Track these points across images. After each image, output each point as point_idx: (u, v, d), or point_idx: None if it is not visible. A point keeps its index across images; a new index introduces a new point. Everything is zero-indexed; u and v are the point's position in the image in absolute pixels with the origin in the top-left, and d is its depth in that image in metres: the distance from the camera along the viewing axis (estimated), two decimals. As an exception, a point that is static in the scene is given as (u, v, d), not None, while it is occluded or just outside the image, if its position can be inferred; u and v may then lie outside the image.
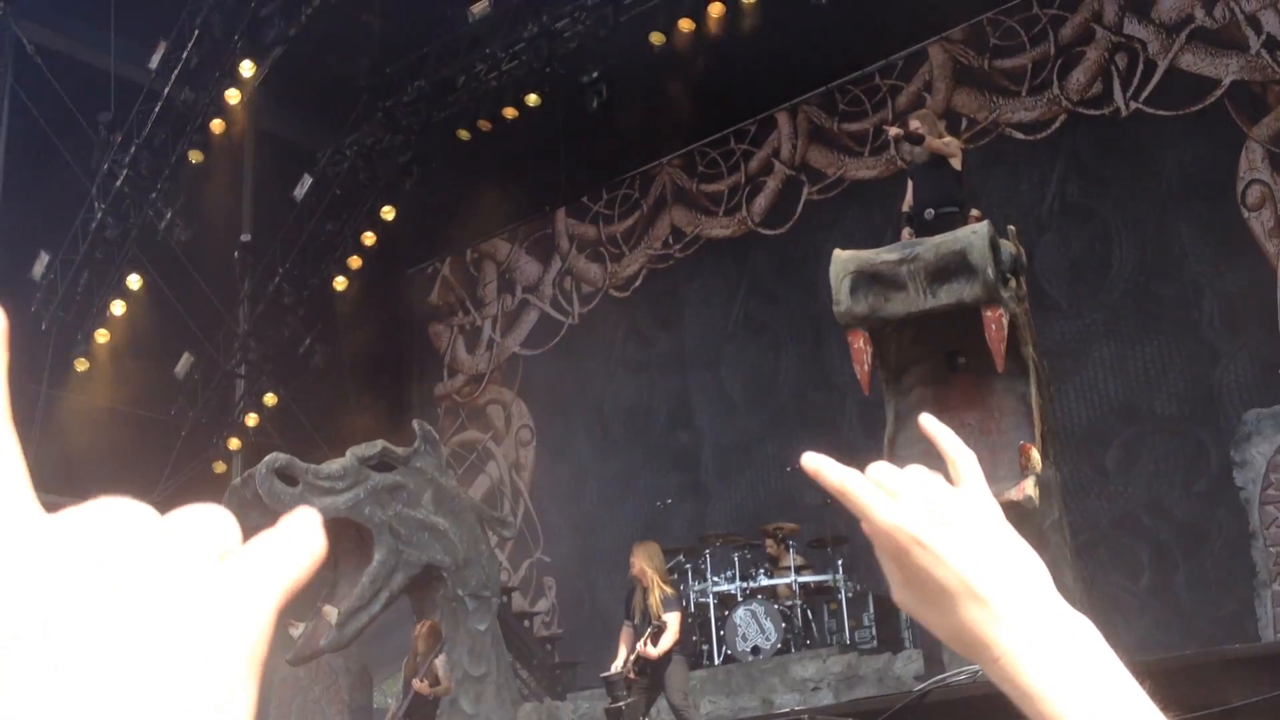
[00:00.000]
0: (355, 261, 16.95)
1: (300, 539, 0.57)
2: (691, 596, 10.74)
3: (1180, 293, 11.81)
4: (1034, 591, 0.85)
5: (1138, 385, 11.87)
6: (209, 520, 0.55)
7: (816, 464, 0.92)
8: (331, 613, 9.88)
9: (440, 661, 9.86)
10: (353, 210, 16.84)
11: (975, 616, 0.85)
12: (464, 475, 16.16)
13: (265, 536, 0.59)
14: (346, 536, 10.61)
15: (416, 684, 9.68)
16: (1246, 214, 11.50)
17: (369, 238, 16.89)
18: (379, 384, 16.74)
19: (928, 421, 0.97)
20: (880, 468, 0.92)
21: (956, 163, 8.94)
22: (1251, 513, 7.81)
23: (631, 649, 8.39)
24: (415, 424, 11.78)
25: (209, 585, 0.51)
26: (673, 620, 8.40)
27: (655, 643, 8.24)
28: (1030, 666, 0.83)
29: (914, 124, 9.20)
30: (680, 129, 15.43)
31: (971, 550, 0.86)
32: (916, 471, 0.91)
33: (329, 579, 10.67)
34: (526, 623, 14.15)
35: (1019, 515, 7.63)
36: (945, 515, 0.87)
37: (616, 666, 8.21)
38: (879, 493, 0.90)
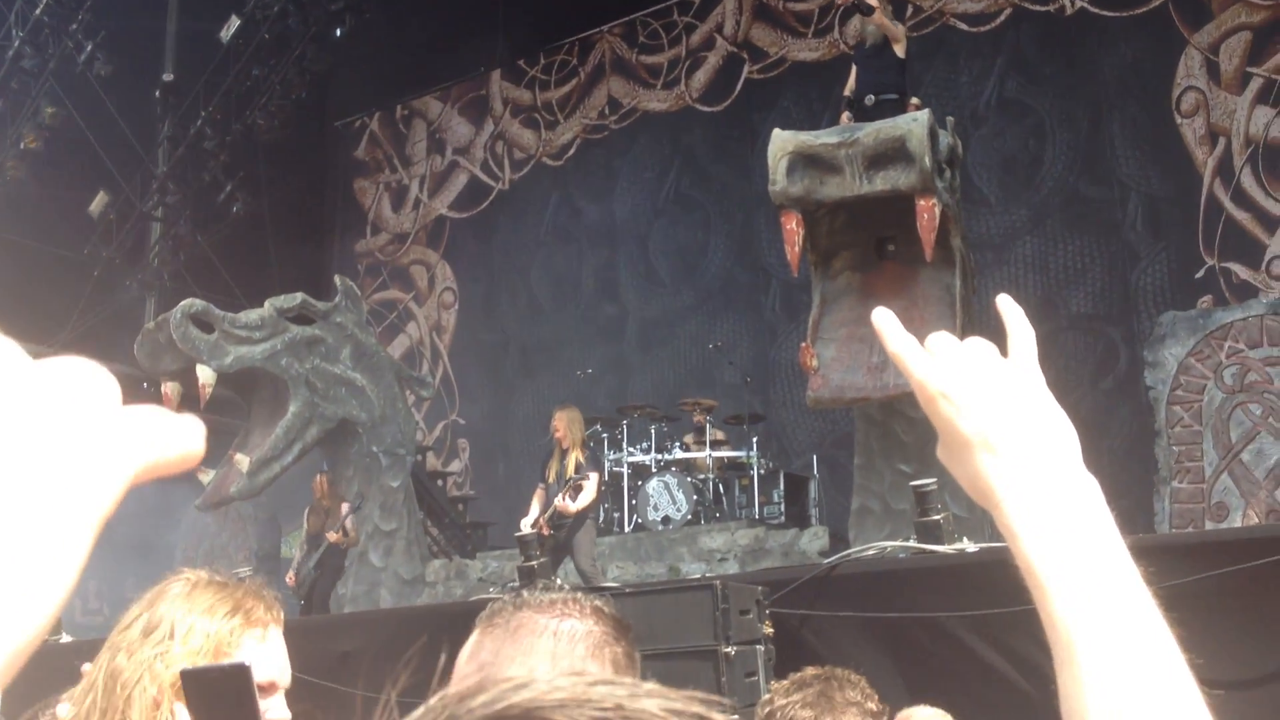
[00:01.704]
0: (280, 109, 16.50)
1: (184, 435, 0.58)
2: (607, 465, 10.83)
3: (1107, 194, 11.93)
4: (1049, 449, 0.90)
5: (1057, 283, 12.04)
6: (90, 375, 0.55)
7: (883, 323, 0.96)
8: (243, 461, 9.83)
9: (346, 511, 9.90)
10: (281, 56, 16.34)
11: (987, 465, 0.89)
12: (383, 334, 16.01)
13: (152, 414, 0.57)
14: (262, 387, 10.54)
15: (331, 536, 9.69)
16: (1179, 120, 11.59)
17: (296, 85, 16.44)
18: (300, 237, 16.45)
19: (1005, 301, 0.99)
20: (939, 335, 0.95)
21: (900, 49, 8.88)
22: (1159, 411, 8.02)
23: (545, 508, 8.45)
24: (337, 279, 11.64)
25: (74, 436, 0.51)
26: (591, 480, 8.47)
27: (574, 498, 8.31)
28: (1018, 509, 0.88)
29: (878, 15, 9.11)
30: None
31: (993, 405, 0.91)
32: (972, 340, 0.95)
33: (242, 428, 10.62)
34: (439, 482, 14.20)
35: (934, 405, 7.76)
36: (974, 372, 0.92)
37: (528, 524, 8.28)
38: (920, 352, 0.93)
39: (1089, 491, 0.89)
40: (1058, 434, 0.91)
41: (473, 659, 1.47)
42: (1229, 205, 11.20)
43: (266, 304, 10.60)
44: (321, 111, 17.54)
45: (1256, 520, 7.37)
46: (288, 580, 9.94)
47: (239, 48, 16.10)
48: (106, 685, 1.59)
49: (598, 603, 1.53)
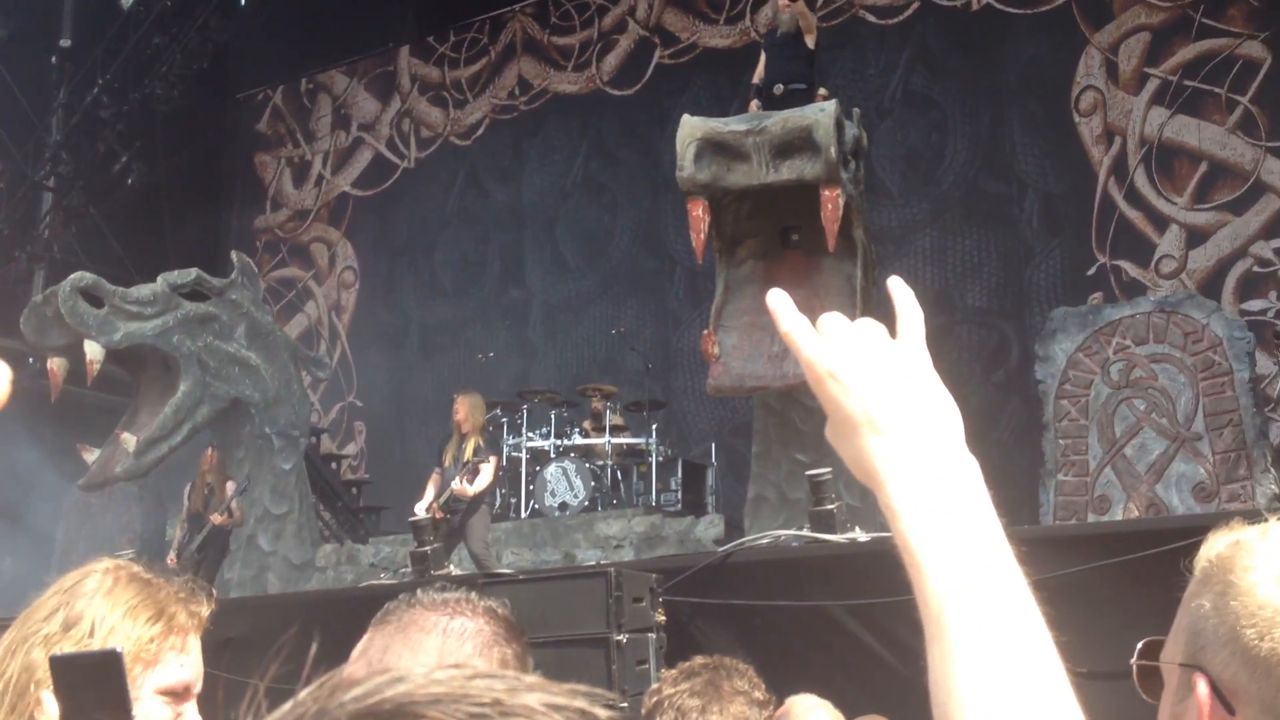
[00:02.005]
0: (180, 79, 16.14)
1: None
2: (505, 450, 10.77)
3: (1005, 189, 12.12)
4: (932, 430, 0.92)
5: (954, 276, 12.21)
6: None
7: (777, 304, 0.97)
8: (130, 440, 9.59)
9: (232, 491, 9.69)
10: (183, 25, 15.97)
11: (872, 445, 0.92)
12: (280, 312, 15.75)
13: None
14: (152, 364, 10.30)
15: (215, 518, 9.48)
16: (1078, 119, 11.80)
17: (197, 56, 16.08)
18: (197, 210, 16.07)
19: (895, 284, 1.01)
20: (831, 316, 0.97)
21: (810, 40, 8.92)
22: (1047, 405, 8.17)
23: (440, 493, 8.37)
24: (233, 255, 11.42)
25: None
26: (489, 464, 8.42)
27: (471, 482, 8.25)
28: (899, 489, 0.90)
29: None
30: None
31: (879, 385, 0.92)
32: (862, 321, 0.97)
33: (130, 405, 10.36)
34: (334, 465, 14.01)
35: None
36: (862, 353, 0.93)
37: (422, 508, 8.19)
38: (810, 332, 0.95)
39: (969, 473, 0.91)
40: (942, 416, 0.93)
41: (363, 655, 1.48)
42: (1122, 204, 11.44)
43: (160, 279, 10.35)
44: (223, 83, 17.17)
45: (1137, 513, 7.55)
46: (169, 562, 9.70)
47: (139, 15, 15.72)
48: (19, 680, 1.55)
49: (491, 604, 1.54)
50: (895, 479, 0.90)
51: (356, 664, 1.47)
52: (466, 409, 8.66)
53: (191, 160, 15.92)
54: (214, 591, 1.69)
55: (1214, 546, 1.17)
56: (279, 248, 16.63)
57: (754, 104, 8.98)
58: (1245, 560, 1.11)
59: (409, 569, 7.35)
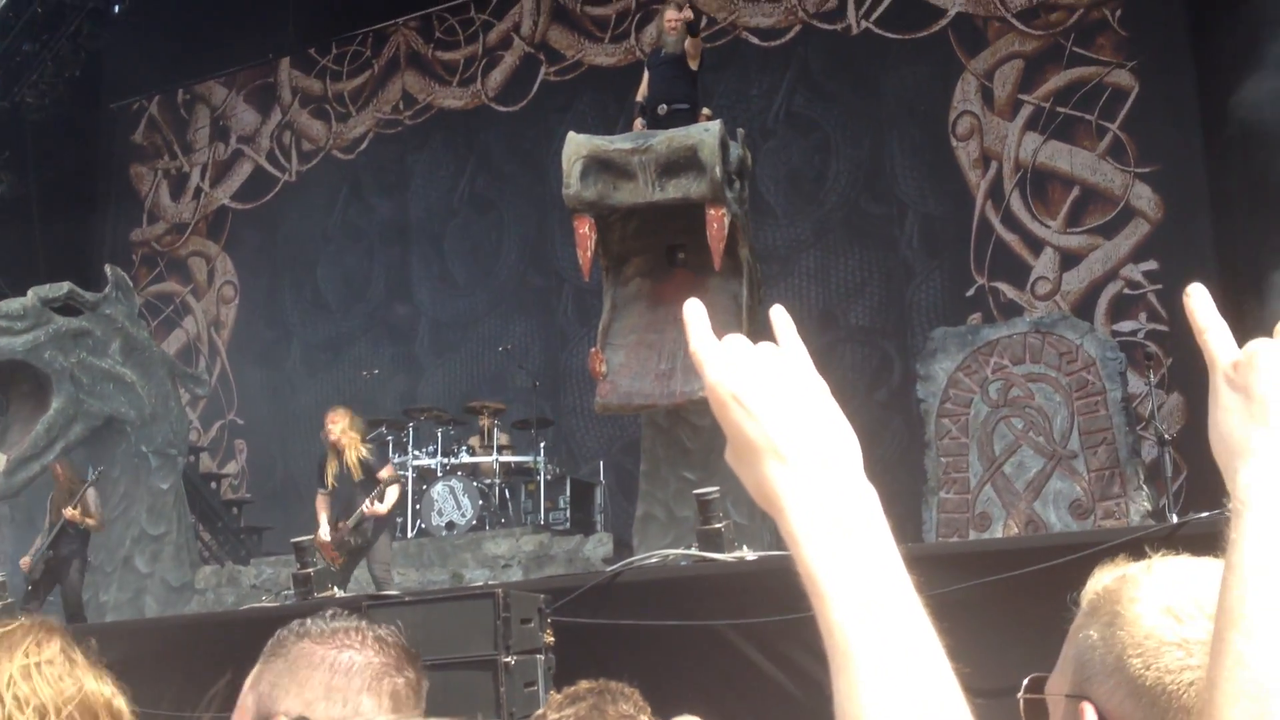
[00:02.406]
0: (53, 87, 15.71)
1: None
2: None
3: (886, 211, 12.35)
4: (833, 459, 0.92)
5: (837, 296, 12.40)
6: None
7: (692, 318, 0.97)
8: (0, 459, 9.30)
9: (91, 494, 9.34)
10: (55, 31, 15.55)
11: (774, 471, 0.91)
12: (158, 328, 15.34)
13: None
14: (23, 380, 9.99)
15: (68, 512, 9.11)
16: (955, 143, 12.09)
17: (70, 63, 15.68)
18: (69, 222, 15.62)
19: (777, 313, 1.01)
20: (736, 338, 0.96)
21: (694, 63, 9.00)
22: (929, 423, 8.34)
23: (339, 514, 8.20)
24: (108, 269, 11.14)
25: None
26: (395, 486, 8.30)
27: (381, 500, 8.12)
28: (798, 515, 0.90)
29: (682, 13, 9.19)
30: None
31: (780, 410, 0.92)
32: (766, 345, 0.96)
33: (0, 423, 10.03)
34: (213, 484, 13.70)
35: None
36: (767, 378, 0.93)
37: (325, 533, 8.03)
38: (718, 354, 0.94)
39: (869, 502, 0.91)
40: (843, 444, 0.93)
41: (253, 689, 1.47)
42: (999, 227, 11.74)
43: (30, 293, 10.06)
44: (97, 92, 16.73)
45: (1016, 530, 7.75)
46: (21, 564, 9.34)
47: (9, 21, 15.26)
48: None
49: (382, 633, 1.52)
50: (798, 506, 0.90)
51: (247, 696, 1.46)
52: (340, 423, 8.48)
53: (64, 170, 15.47)
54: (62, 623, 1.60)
55: (1100, 580, 1.20)
56: (156, 261, 16.20)
57: (639, 122, 9.04)
58: (1131, 592, 1.14)
59: (291, 591, 7.20)
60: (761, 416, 0.92)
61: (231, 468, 14.86)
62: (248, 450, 14.93)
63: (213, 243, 15.95)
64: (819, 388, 0.96)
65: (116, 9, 15.51)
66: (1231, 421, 1.04)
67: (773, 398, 0.92)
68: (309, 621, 1.52)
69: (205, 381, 12.49)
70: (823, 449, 0.92)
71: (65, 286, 10.28)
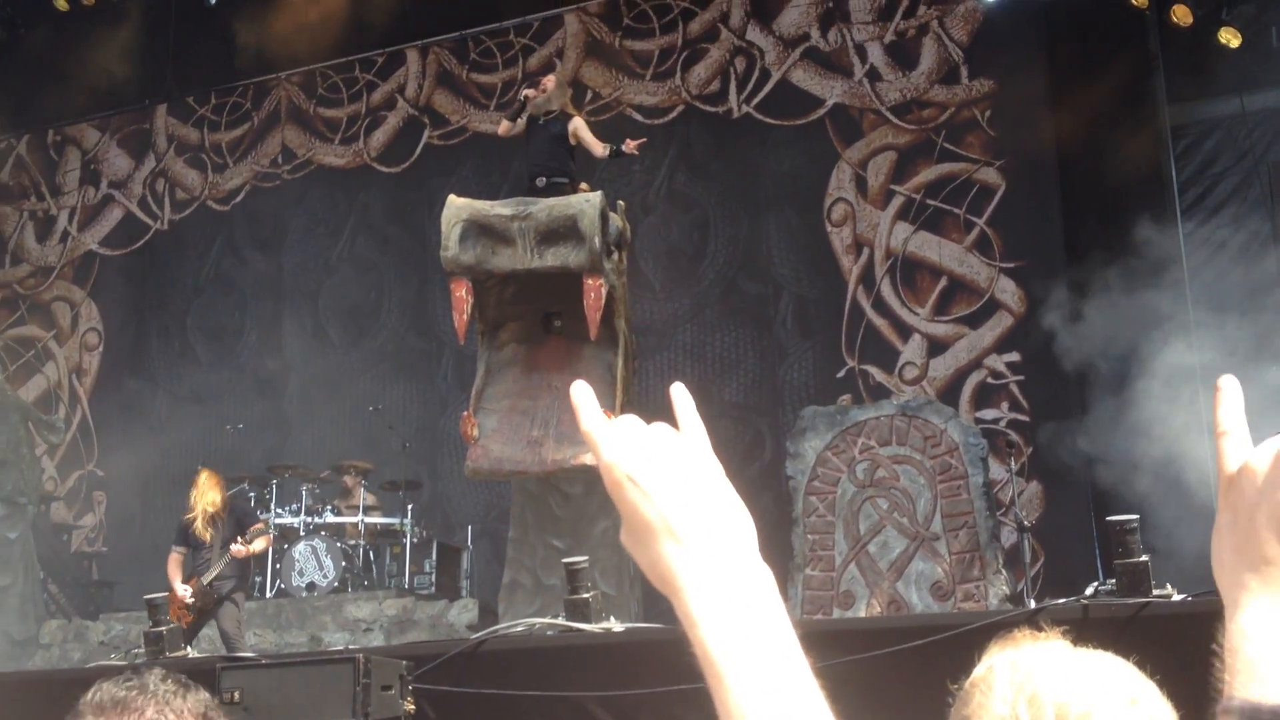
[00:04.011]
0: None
1: None
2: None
3: (762, 290, 12.57)
4: (729, 539, 0.93)
5: (713, 371, 12.55)
6: None
7: (580, 398, 0.97)
8: None
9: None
10: (-82, 63, 15.12)
11: (670, 552, 0.92)
12: (16, 373, 14.80)
13: None
14: None
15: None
16: (830, 228, 12.39)
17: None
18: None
19: (677, 391, 1.03)
20: (627, 417, 0.98)
21: (575, 138, 9.11)
22: (797, 500, 8.45)
23: (186, 575, 7.98)
24: (-37, 310, 10.76)
25: None
26: (263, 536, 8.11)
27: (251, 543, 7.91)
28: (696, 596, 0.91)
29: (547, 82, 9.30)
30: (305, 45, 14.80)
31: (676, 492, 0.93)
32: (660, 425, 0.98)
33: None
34: (65, 536, 13.21)
35: (590, 478, 7.91)
36: (662, 459, 0.94)
37: (180, 588, 7.79)
38: (609, 433, 0.95)
39: (764, 582, 0.93)
40: (738, 525, 0.95)
41: None
42: (870, 311, 12.04)
43: (-121, 333, 9.66)
44: (-38, 127, 16.23)
45: (879, 609, 7.87)
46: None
47: None
48: None
49: (203, 701, 1.48)
50: (694, 587, 0.91)
51: None
52: (213, 489, 8.29)
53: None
54: None
55: (978, 667, 1.25)
56: (17, 304, 15.66)
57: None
58: (991, 683, 1.18)
59: (142, 649, 6.95)
60: (657, 497, 0.93)
61: (89, 519, 14.32)
62: (106, 502, 14.42)
63: (78, 288, 15.49)
64: (714, 469, 0.98)
65: (-12, 44, 15.13)
66: (1222, 544, 1.03)
67: (668, 478, 0.94)
68: (126, 682, 1.47)
69: (60, 429, 12.09)
70: (718, 529, 0.93)
71: (-83, 326, 9.90)
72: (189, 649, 6.99)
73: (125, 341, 15.04)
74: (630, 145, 8.91)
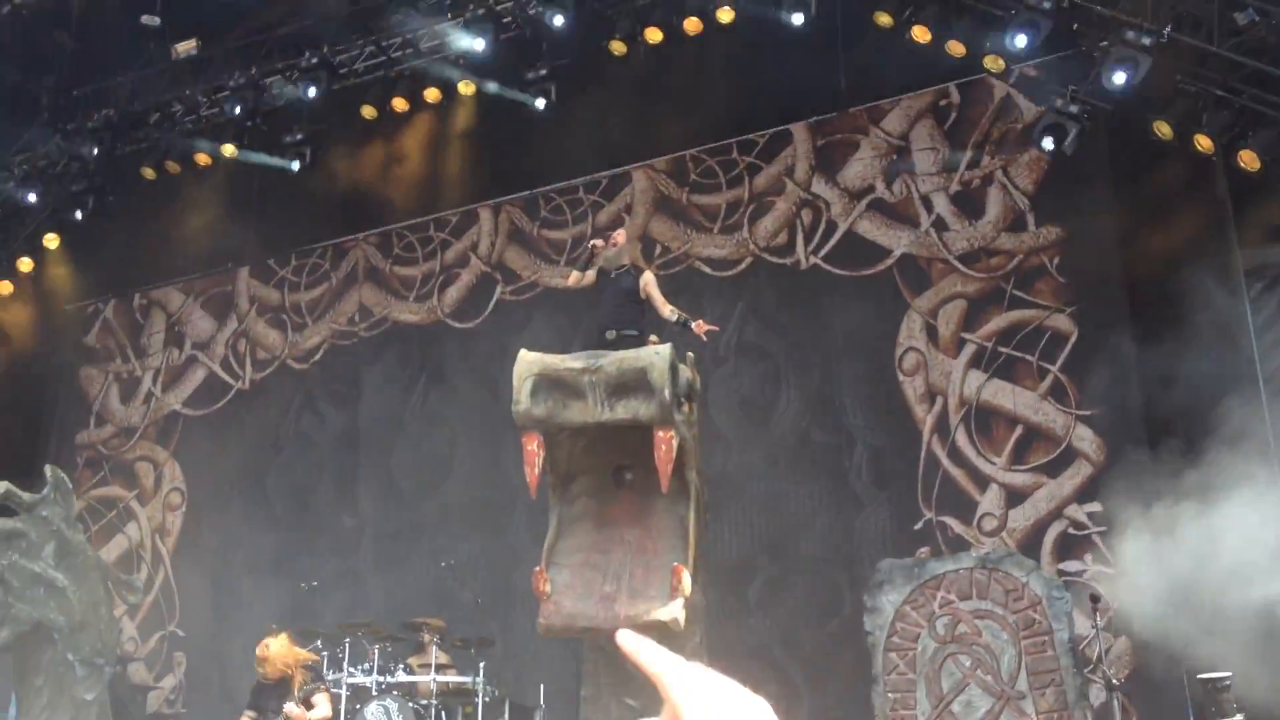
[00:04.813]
0: (6, 286, 15.81)
1: None
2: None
3: (835, 441, 12.47)
4: None
5: (788, 524, 12.38)
6: None
7: (634, 646, 1.01)
8: (-81, 665, 8.95)
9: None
10: (12, 231, 15.75)
11: None
12: (99, 533, 15.03)
13: None
14: (-50, 582, 9.70)
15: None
16: (902, 377, 12.32)
17: (25, 264, 15.83)
18: (13, 422, 15.47)
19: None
20: (699, 671, 1.00)
21: (645, 293, 9.21)
22: (876, 657, 8.25)
23: None
24: (47, 469, 10.99)
25: None
26: (324, 695, 8.00)
27: (309, 709, 7.80)
28: None
29: (618, 236, 9.46)
30: (380, 207, 15.29)
31: None
32: (729, 689, 1.00)
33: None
34: (140, 697, 13.21)
35: (665, 635, 7.79)
36: None
37: None
38: (688, 693, 0.99)
39: None
40: None
41: None
42: (945, 461, 11.88)
43: (-34, 492, 9.86)
44: (52, 292, 16.82)
45: (966, 771, 7.61)
46: None
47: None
48: None
49: None
50: None
51: None
52: (286, 653, 8.22)
53: (11, 369, 15.39)
54: None
55: None
56: (101, 465, 15.98)
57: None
58: None
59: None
60: None
61: (169, 680, 14.34)
62: (186, 663, 14.44)
63: (161, 448, 15.79)
64: None
65: (79, 214, 15.74)
66: None
67: None
68: None
69: (139, 589, 12.16)
70: None
71: (2, 486, 10.11)
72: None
73: (207, 501, 15.22)
74: (701, 328, 8.98)
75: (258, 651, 8.31)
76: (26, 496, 10.26)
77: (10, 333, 15.64)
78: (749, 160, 13.77)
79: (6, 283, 15.77)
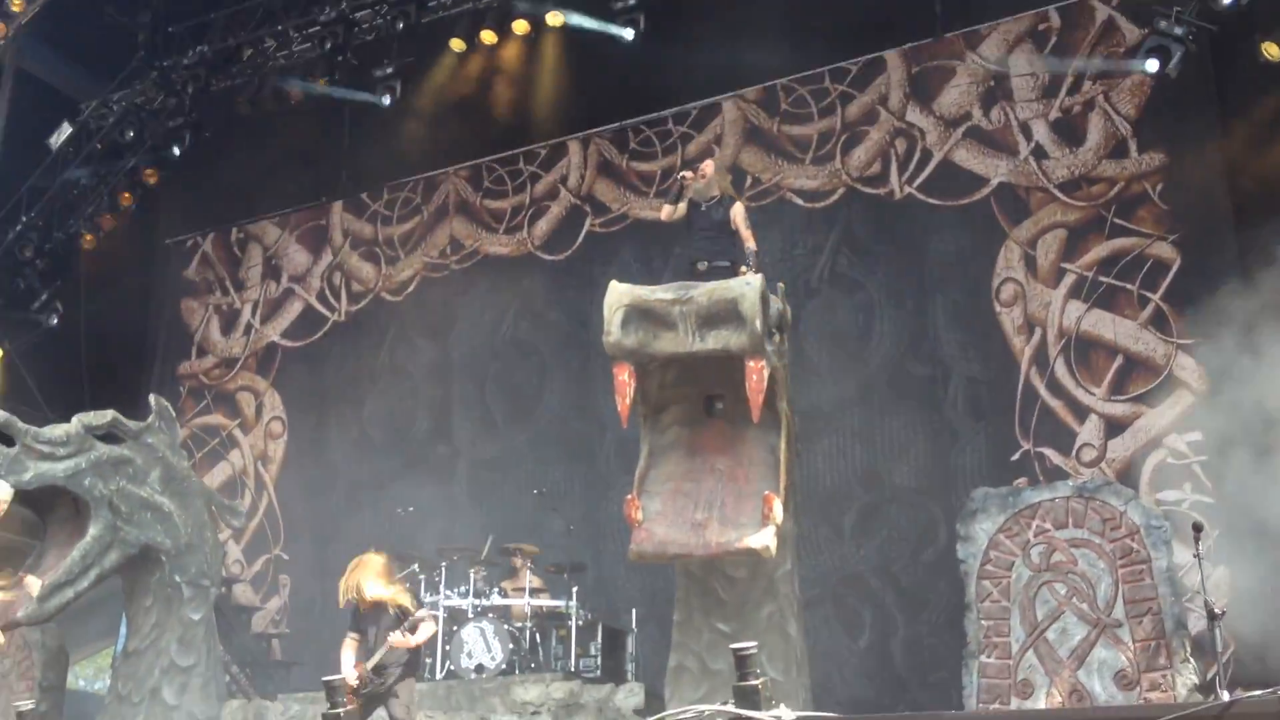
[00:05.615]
0: (108, 221, 16.16)
1: None
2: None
3: (930, 372, 12.35)
4: None
5: (882, 455, 12.33)
6: None
7: None
8: (34, 584, 9.27)
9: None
10: (112, 168, 16.07)
11: None
12: (203, 460, 15.44)
13: None
14: (62, 505, 10.02)
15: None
16: (999, 308, 12.14)
17: (126, 198, 16.15)
18: (118, 353, 15.89)
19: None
20: None
21: (735, 223, 9.15)
22: (969, 585, 8.21)
23: (361, 659, 8.00)
24: (152, 398, 11.26)
25: None
26: (429, 621, 8.14)
27: (413, 633, 7.94)
28: None
29: (706, 167, 9.39)
30: (471, 141, 15.35)
31: None
32: None
33: (35, 547, 10.02)
34: (245, 617, 13.62)
35: (755, 562, 7.82)
36: None
37: (350, 676, 7.78)
38: None
39: None
40: None
41: None
42: (1044, 393, 11.71)
43: (75, 420, 10.15)
44: (152, 227, 17.18)
45: (1060, 699, 7.55)
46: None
47: (68, 155, 15.80)
48: None
49: None
50: None
51: None
52: (375, 574, 8.32)
53: (115, 303, 15.78)
54: None
55: None
56: (203, 394, 16.38)
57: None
58: None
59: (320, 731, 7.08)
60: None
61: (275, 602, 14.79)
62: (291, 585, 14.87)
63: (261, 378, 16.14)
64: None
65: (176, 150, 16.01)
66: None
67: None
68: None
69: (241, 514, 12.48)
70: None
71: (109, 414, 10.36)
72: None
73: (307, 429, 15.55)
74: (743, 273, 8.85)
75: (355, 576, 8.41)
76: (132, 424, 10.53)
77: (114, 267, 16.00)
78: (841, 89, 13.58)
79: (109, 218, 16.08)
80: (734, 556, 7.77)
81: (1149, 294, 11.46)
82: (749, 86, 14.04)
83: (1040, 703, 7.57)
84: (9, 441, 9.44)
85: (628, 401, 7.88)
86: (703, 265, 8.92)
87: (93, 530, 9.73)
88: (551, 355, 14.35)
